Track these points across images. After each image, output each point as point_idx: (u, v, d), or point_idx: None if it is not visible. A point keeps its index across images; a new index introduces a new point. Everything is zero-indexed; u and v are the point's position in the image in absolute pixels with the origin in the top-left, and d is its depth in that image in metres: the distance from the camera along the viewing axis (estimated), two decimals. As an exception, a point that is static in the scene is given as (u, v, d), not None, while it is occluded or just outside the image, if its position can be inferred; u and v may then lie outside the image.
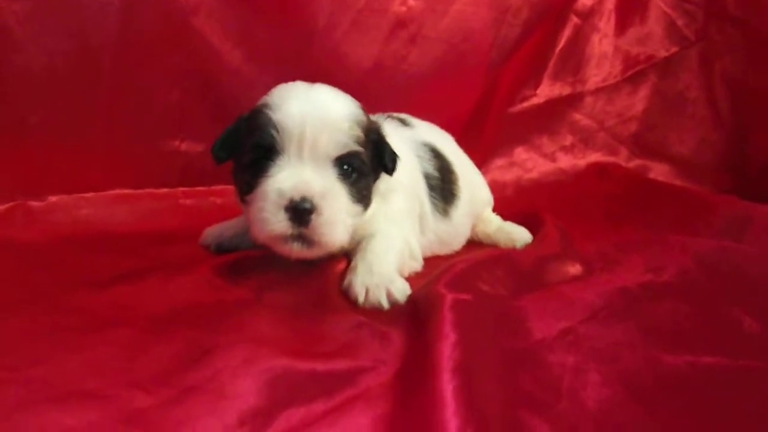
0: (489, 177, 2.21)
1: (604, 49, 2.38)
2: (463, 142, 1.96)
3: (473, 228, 1.59)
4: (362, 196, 1.09)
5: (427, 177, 1.36)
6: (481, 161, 2.19)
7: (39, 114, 1.32)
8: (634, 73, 2.40)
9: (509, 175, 2.27)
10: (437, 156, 1.41)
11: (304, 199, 0.96)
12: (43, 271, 1.11)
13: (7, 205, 1.32)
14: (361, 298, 1.03)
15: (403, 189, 1.27)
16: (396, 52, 1.73)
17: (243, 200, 1.08)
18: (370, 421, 0.69)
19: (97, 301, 0.98)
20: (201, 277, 1.08)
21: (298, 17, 1.56)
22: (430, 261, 1.36)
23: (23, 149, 1.33)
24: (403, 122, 1.46)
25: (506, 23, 1.91)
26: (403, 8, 1.71)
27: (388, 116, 1.46)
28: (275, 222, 0.97)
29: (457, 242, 1.47)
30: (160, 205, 1.47)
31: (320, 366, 0.80)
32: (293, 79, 1.57)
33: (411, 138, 1.39)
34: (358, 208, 1.08)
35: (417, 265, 1.25)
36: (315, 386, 0.75)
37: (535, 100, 2.30)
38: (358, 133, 1.06)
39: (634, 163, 2.42)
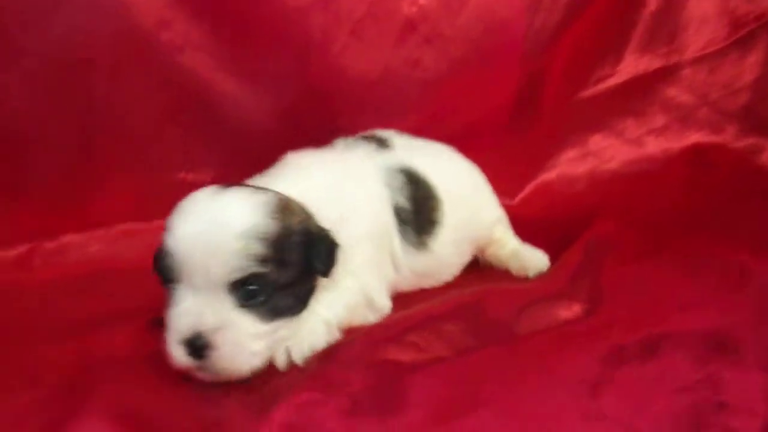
0: (555, 172, 2.00)
1: (704, 11, 2.01)
2: (506, 142, 1.81)
3: (484, 250, 1.46)
4: (282, 310, 0.97)
5: (398, 210, 1.25)
6: (541, 157, 1.99)
7: (43, 160, 1.44)
8: (742, 35, 2.00)
9: (582, 168, 2.01)
10: (414, 182, 1.29)
11: (197, 336, 0.91)
12: (26, 319, 1.23)
13: (24, 248, 1.45)
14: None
15: (367, 238, 1.18)
16: (407, 58, 1.60)
17: None
18: None
19: (38, 355, 1.06)
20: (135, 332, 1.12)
21: (290, 38, 1.50)
22: (408, 298, 1.27)
23: (34, 193, 1.45)
24: (383, 143, 1.34)
25: (543, 9, 1.67)
26: (414, 9, 1.57)
27: (369, 135, 1.38)
28: (177, 356, 0.93)
29: (446, 273, 1.36)
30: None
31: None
32: (292, 101, 1.57)
33: (383, 165, 1.28)
34: (278, 323, 0.97)
35: (373, 317, 1.16)
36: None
37: (614, 80, 2.01)
38: (260, 250, 0.92)
39: (744, 142, 2.03)
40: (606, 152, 2.03)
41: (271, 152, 1.27)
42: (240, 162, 1.45)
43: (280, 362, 0.99)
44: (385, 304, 1.19)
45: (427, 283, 1.32)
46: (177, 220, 0.96)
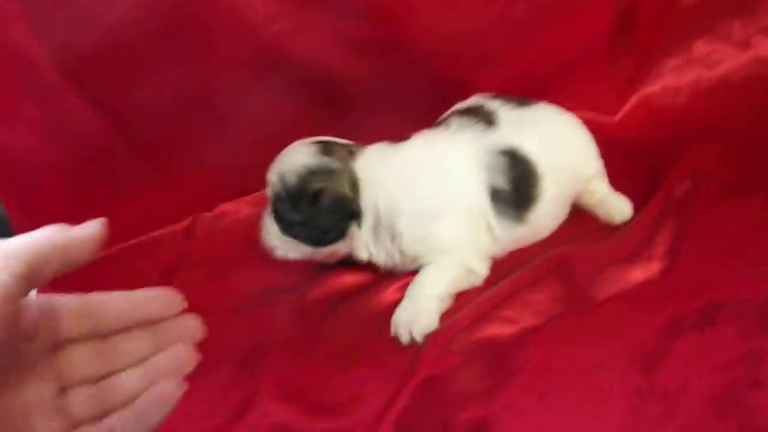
0: (659, 83, 2.01)
1: None
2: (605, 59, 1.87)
3: (580, 197, 1.59)
4: (294, 234, 1.38)
5: (496, 191, 1.41)
6: (642, 70, 2.00)
7: (192, 150, 1.74)
8: None
9: (685, 77, 1.99)
10: (516, 163, 1.43)
11: None
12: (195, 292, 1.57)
13: (188, 220, 1.80)
14: (393, 330, 1.30)
15: (456, 213, 1.39)
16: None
17: None
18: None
19: (213, 333, 1.40)
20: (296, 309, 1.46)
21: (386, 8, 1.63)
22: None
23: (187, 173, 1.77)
24: (489, 120, 1.47)
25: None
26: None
27: (476, 109, 1.51)
28: None
29: (543, 235, 1.52)
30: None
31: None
32: (392, 70, 1.72)
33: (487, 147, 1.42)
34: (293, 241, 1.39)
35: (477, 280, 1.40)
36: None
37: (722, -18, 1.93)
38: (278, 189, 1.36)
39: None
40: (710, 58, 1.99)
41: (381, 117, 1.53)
42: (355, 128, 1.65)
43: (404, 339, 1.27)
44: (483, 270, 1.41)
45: (523, 244, 1.50)
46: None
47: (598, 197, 1.58)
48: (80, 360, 0.55)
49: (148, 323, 0.60)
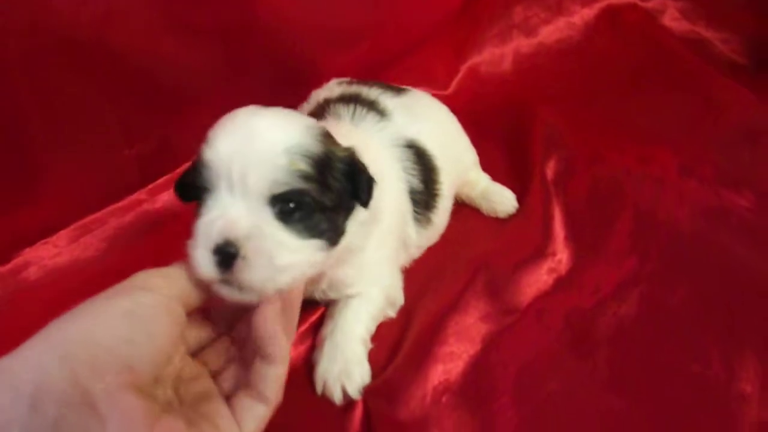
0: (486, 53, 1.98)
1: None
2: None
3: (459, 189, 1.48)
4: (319, 231, 0.90)
5: (412, 194, 1.21)
6: (470, 40, 1.95)
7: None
8: None
9: (507, 45, 2.01)
10: (421, 157, 1.24)
11: (228, 243, 0.81)
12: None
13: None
14: (318, 389, 1.06)
15: (383, 229, 1.13)
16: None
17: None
18: None
19: None
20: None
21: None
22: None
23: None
24: (380, 112, 1.25)
25: None
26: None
27: (354, 96, 1.28)
28: (204, 265, 0.81)
29: (439, 234, 1.37)
30: (123, 221, 1.38)
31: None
32: (234, 58, 1.40)
33: (393, 140, 1.21)
34: (314, 242, 0.89)
35: (393, 312, 1.21)
36: None
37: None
38: (304, 167, 0.86)
39: (653, 2, 2.10)
40: (529, 23, 2.02)
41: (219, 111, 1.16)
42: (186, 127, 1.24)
43: (336, 397, 1.05)
44: (401, 297, 1.22)
45: (423, 249, 1.34)
46: (218, 133, 0.87)
47: (480, 189, 1.49)
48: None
49: None
